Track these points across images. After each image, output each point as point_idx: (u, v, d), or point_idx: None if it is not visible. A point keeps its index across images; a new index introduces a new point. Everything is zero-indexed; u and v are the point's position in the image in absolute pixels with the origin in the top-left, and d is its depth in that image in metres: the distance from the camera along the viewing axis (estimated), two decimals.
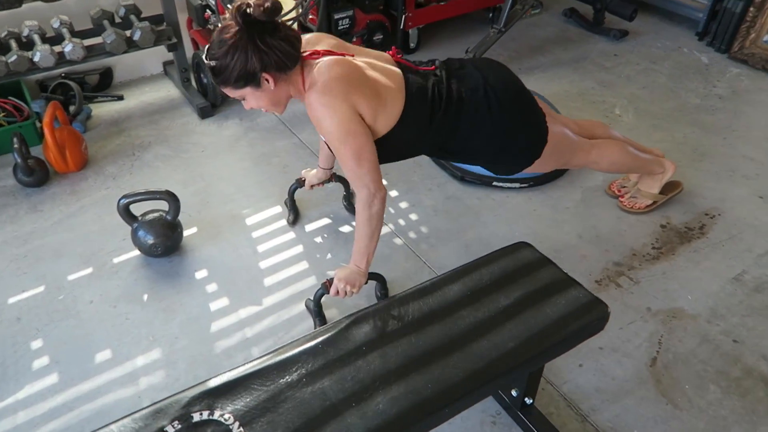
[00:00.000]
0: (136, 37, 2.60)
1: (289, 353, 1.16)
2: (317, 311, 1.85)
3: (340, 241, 2.19)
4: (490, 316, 1.24)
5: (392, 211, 2.32)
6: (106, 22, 2.65)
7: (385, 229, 2.20)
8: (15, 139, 2.32)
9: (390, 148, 1.67)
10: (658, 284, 2.01)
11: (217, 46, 1.51)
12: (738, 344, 1.81)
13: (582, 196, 2.38)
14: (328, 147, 1.75)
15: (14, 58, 2.39)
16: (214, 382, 1.11)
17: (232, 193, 2.40)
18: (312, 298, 1.88)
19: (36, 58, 2.43)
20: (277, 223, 2.27)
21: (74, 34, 2.59)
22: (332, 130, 1.55)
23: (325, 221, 2.28)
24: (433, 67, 1.78)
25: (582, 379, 1.72)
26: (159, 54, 3.12)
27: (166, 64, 3.20)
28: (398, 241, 2.19)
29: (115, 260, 2.11)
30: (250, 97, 1.61)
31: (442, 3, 3.33)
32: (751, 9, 3.20)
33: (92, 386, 1.71)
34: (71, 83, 2.79)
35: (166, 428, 1.03)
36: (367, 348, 1.17)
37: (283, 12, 2.58)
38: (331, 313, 1.91)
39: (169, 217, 2.05)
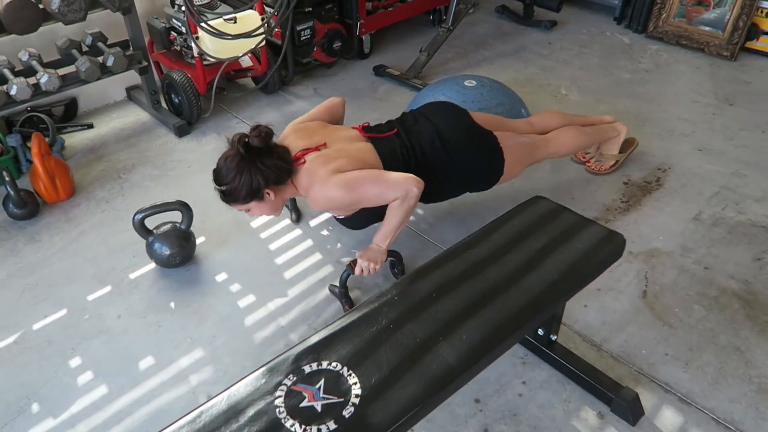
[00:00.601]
0: (109, 62, 2.64)
1: (370, 307, 1.31)
2: (344, 292, 1.98)
3: (345, 232, 2.33)
4: (530, 257, 1.43)
5: None
6: (74, 51, 2.68)
7: None
8: (5, 173, 2.31)
9: (379, 207, 1.87)
10: (633, 231, 2.28)
11: (225, 172, 1.77)
12: (709, 270, 2.10)
13: (551, 166, 2.65)
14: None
15: None
16: (312, 340, 1.24)
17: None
18: (335, 284, 2.03)
19: (13, 92, 2.42)
20: (281, 224, 2.38)
21: (44, 65, 2.60)
22: (343, 200, 1.81)
23: (326, 215, 2.41)
24: (395, 130, 2.01)
25: (589, 316, 1.95)
26: (121, 81, 3.15)
27: (130, 89, 3.23)
28: None
29: (132, 276, 2.15)
30: (254, 209, 1.86)
31: (390, 9, 3.55)
32: None
33: (144, 391, 1.76)
34: (42, 116, 2.78)
35: (284, 382, 1.15)
36: (437, 294, 1.33)
37: (251, 29, 2.72)
38: (355, 294, 2.05)
39: (183, 227, 2.13)
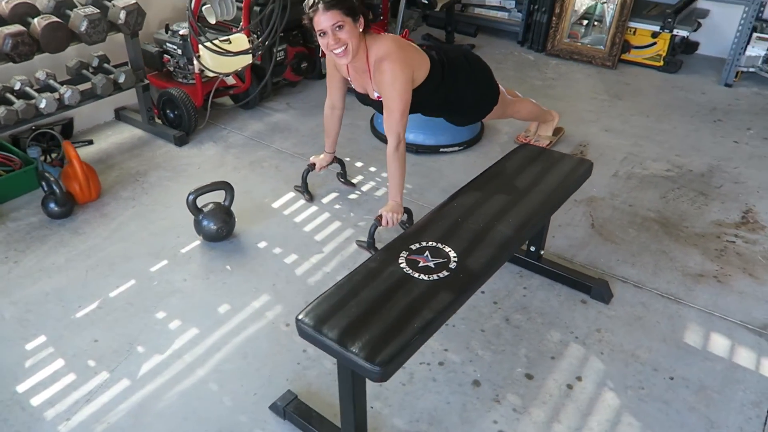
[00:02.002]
0: (121, 80, 2.97)
1: (440, 211, 1.82)
2: (371, 243, 2.46)
3: (354, 204, 2.81)
4: (534, 177, 2.02)
5: (379, 179, 3.00)
6: (84, 71, 2.98)
7: (383, 190, 2.89)
8: (47, 175, 2.56)
9: (418, 96, 2.39)
10: None
11: None
12: (633, 206, 2.83)
13: (500, 148, 3.31)
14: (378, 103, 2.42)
15: (23, 106, 2.64)
16: (410, 231, 1.73)
17: (246, 191, 2.88)
18: (361, 239, 2.51)
19: (42, 105, 2.69)
20: (298, 203, 2.81)
21: (59, 83, 2.88)
22: (397, 87, 2.24)
23: (334, 194, 2.88)
24: (426, 47, 2.57)
25: (558, 243, 2.58)
26: (110, 103, 3.44)
27: (119, 110, 3.52)
28: None
29: (183, 251, 2.49)
30: (347, 27, 2.13)
31: None
32: (554, 18, 4.53)
33: (230, 327, 2.12)
34: (52, 132, 3.02)
35: (401, 255, 1.63)
36: (481, 200, 1.88)
37: (240, 49, 3.18)
38: (378, 246, 2.53)
39: (226, 203, 2.51)
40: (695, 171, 3.11)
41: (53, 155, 3.03)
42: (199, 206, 2.48)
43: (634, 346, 2.08)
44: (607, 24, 4.36)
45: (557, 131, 3.34)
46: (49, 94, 2.72)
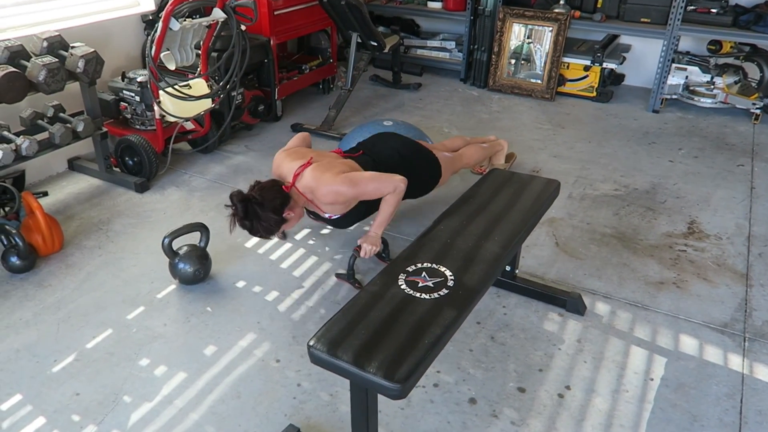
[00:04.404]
0: (79, 128, 2.92)
1: (429, 235, 1.89)
2: (351, 274, 2.50)
3: (327, 238, 2.84)
4: (509, 200, 2.14)
5: None
6: (40, 121, 2.91)
7: (355, 225, 2.94)
8: (7, 228, 2.46)
9: (363, 207, 2.50)
10: None
11: (252, 228, 2.24)
12: (590, 224, 3.00)
13: (460, 178, 3.44)
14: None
15: None
16: (402, 255, 1.78)
17: (218, 233, 2.84)
18: (340, 272, 2.54)
19: None
20: (271, 242, 2.82)
21: (13, 134, 2.79)
22: (348, 193, 2.32)
23: (306, 230, 2.91)
24: (361, 152, 2.65)
25: (529, 262, 2.69)
26: (63, 154, 3.36)
27: (72, 160, 3.43)
28: None
29: (159, 296, 2.43)
30: (288, 226, 2.35)
31: (294, 79, 4.23)
32: (493, 56, 4.81)
33: (219, 368, 2.08)
34: (5, 185, 2.90)
35: (399, 277, 1.68)
36: (466, 222, 1.96)
37: (201, 93, 3.21)
38: (357, 277, 2.56)
39: (202, 244, 2.48)
40: (640, 189, 3.34)
41: (6, 209, 2.91)
42: (174, 249, 2.44)
43: (613, 353, 2.19)
44: (537, 62, 4.67)
45: (509, 157, 3.52)
46: (5, 145, 2.64)
